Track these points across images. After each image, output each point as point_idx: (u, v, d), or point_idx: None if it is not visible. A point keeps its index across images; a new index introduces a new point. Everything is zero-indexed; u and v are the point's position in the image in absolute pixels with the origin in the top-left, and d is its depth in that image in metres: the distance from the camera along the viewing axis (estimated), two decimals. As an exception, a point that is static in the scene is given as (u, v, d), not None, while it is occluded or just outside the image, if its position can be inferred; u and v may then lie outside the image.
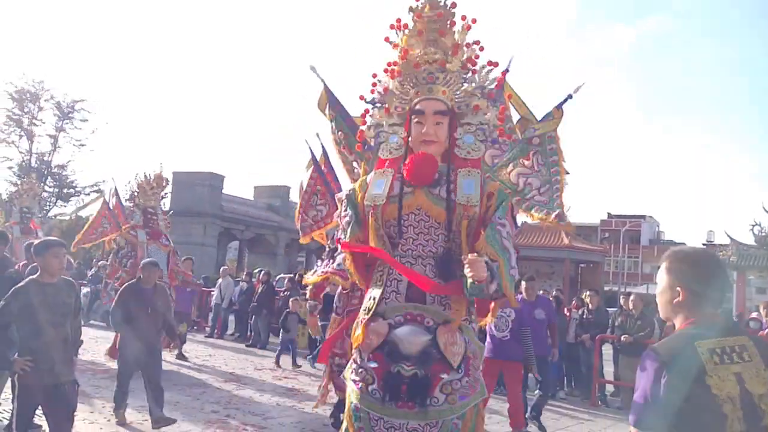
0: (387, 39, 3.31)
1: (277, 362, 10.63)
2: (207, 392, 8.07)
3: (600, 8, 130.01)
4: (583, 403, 9.55)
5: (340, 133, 4.92)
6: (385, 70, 3.31)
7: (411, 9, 3.23)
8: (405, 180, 3.02)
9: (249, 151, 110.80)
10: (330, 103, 5.00)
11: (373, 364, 2.77)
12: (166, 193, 10.27)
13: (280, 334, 10.84)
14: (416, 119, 3.10)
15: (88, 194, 34.86)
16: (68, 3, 75.70)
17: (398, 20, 3.26)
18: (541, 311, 7.67)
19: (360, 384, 2.80)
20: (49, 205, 31.82)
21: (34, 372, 4.00)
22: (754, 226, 26.82)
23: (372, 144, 3.32)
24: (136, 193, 9.82)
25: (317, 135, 6.11)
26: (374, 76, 3.40)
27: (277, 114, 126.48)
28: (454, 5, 3.20)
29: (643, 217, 59.71)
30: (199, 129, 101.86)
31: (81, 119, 33.75)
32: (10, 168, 32.95)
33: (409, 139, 3.15)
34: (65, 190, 34.28)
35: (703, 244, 54.24)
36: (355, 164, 4.89)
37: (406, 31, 3.23)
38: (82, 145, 33.99)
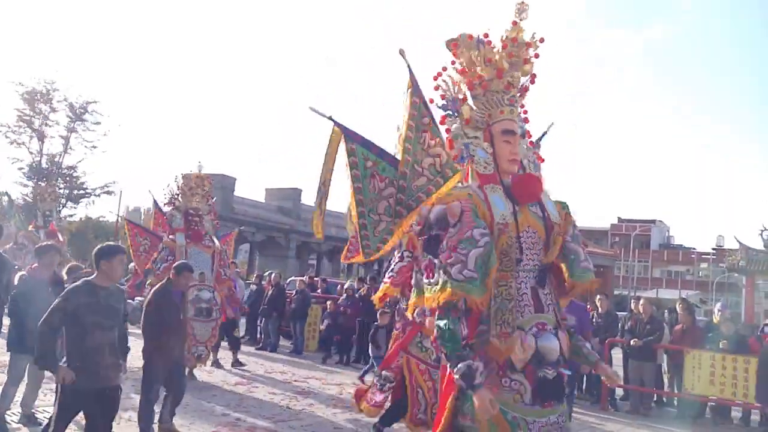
0: (453, 46, 3.39)
1: (362, 378, 9.45)
2: (217, 395, 8.11)
3: (602, 12, 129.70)
4: (592, 406, 9.52)
5: (369, 162, 4.94)
6: (470, 83, 3.38)
7: (505, 35, 3.35)
8: (513, 198, 3.23)
9: (261, 153, 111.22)
10: (346, 136, 4.94)
11: (522, 375, 3.08)
12: (207, 192, 9.70)
13: (370, 349, 9.78)
14: (505, 138, 3.28)
15: (98, 195, 35.05)
16: (83, 5, 76.28)
17: (486, 34, 3.37)
18: (570, 317, 6.90)
19: (515, 394, 3.07)
20: (60, 207, 31.97)
21: (81, 376, 3.97)
22: (763, 231, 26.67)
23: (464, 155, 3.37)
24: (176, 196, 9.52)
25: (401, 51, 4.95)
26: (435, 78, 3.50)
27: (290, 116, 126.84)
28: (542, 40, 3.35)
29: (653, 221, 59.50)
30: (211, 130, 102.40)
31: (94, 121, 33.91)
32: (20, 169, 33.11)
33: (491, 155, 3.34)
34: (75, 192, 34.45)
35: (713, 249, 54.01)
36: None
37: (499, 50, 3.34)
38: (94, 147, 34.13)
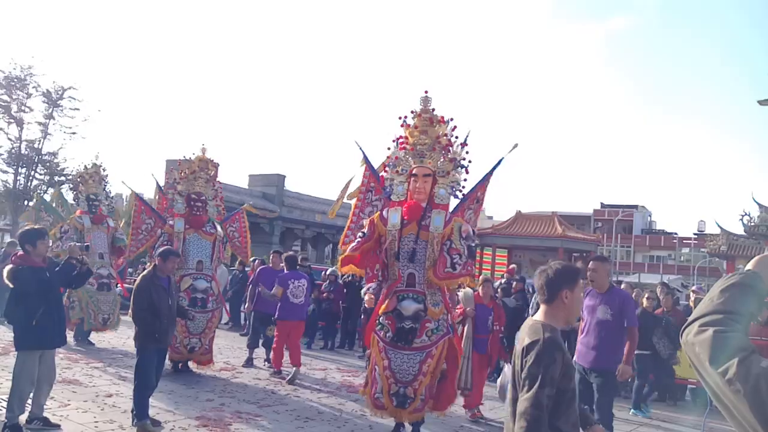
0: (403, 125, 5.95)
1: None
2: (201, 381, 8.09)
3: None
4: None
5: (372, 184, 6.86)
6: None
7: (412, 112, 5.88)
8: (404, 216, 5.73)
9: (243, 138, 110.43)
10: (369, 166, 6.91)
11: None
12: (213, 176, 9.34)
13: None
14: (413, 178, 5.76)
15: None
16: (59, -11, 75.00)
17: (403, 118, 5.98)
18: (606, 309, 5.58)
19: None
20: (41, 193, 31.54)
21: None
22: (743, 216, 26.92)
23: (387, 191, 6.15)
24: (177, 180, 9.14)
25: (356, 142, 7.01)
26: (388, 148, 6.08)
27: (272, 100, 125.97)
28: (443, 119, 5.89)
29: (635, 206, 59.96)
30: (193, 115, 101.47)
31: (72, 108, 33.40)
32: (-1, 155, 32.60)
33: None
34: (56, 178, 34.00)
35: (695, 234, 54.58)
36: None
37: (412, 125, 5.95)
38: (73, 133, 33.66)
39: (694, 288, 10.89)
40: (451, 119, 5.81)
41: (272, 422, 6.29)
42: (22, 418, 5.37)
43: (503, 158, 6.41)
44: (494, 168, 6.48)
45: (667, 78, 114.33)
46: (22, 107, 32.68)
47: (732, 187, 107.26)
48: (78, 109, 33.48)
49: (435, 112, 5.86)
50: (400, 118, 5.89)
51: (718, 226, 28.24)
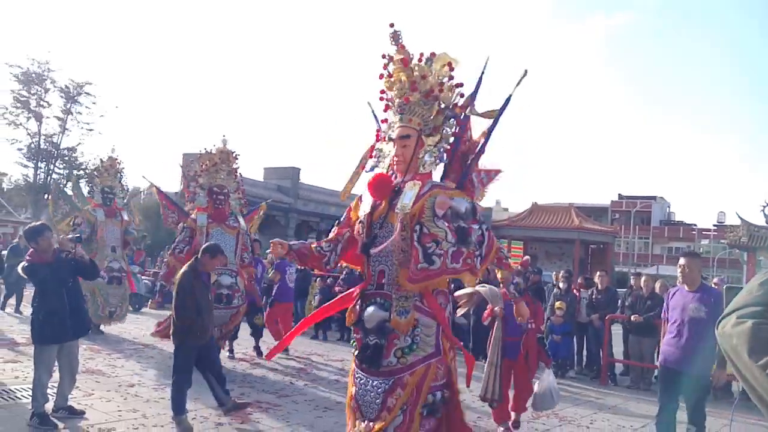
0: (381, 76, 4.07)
1: None
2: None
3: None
4: (592, 381, 9.62)
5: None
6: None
7: (384, 56, 3.97)
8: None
9: (258, 131, 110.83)
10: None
11: None
12: (236, 168, 9.14)
13: None
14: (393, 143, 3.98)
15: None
16: (76, -16, 75.49)
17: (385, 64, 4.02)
18: (699, 306, 5.22)
19: None
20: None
21: None
22: (764, 206, 26.56)
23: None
24: (198, 173, 8.92)
25: (368, 103, 5.47)
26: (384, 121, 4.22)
27: (287, 93, 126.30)
28: (422, 57, 4.01)
29: (653, 197, 59.47)
30: (208, 109, 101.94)
31: (91, 102, 33.73)
32: (19, 150, 33.06)
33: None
34: (75, 172, 34.47)
35: (714, 225, 54.06)
36: None
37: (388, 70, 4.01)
38: (90, 129, 34.04)
39: (715, 280, 10.80)
40: (450, 58, 4.07)
41: (291, 412, 6.35)
42: (48, 407, 5.48)
43: (511, 95, 4.36)
44: (500, 111, 4.33)
45: (670, 77, 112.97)
46: (41, 102, 33.08)
47: (752, 177, 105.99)
48: (95, 104, 33.83)
49: (410, 50, 4.01)
50: (382, 73, 4.10)
51: (739, 217, 27.87)
